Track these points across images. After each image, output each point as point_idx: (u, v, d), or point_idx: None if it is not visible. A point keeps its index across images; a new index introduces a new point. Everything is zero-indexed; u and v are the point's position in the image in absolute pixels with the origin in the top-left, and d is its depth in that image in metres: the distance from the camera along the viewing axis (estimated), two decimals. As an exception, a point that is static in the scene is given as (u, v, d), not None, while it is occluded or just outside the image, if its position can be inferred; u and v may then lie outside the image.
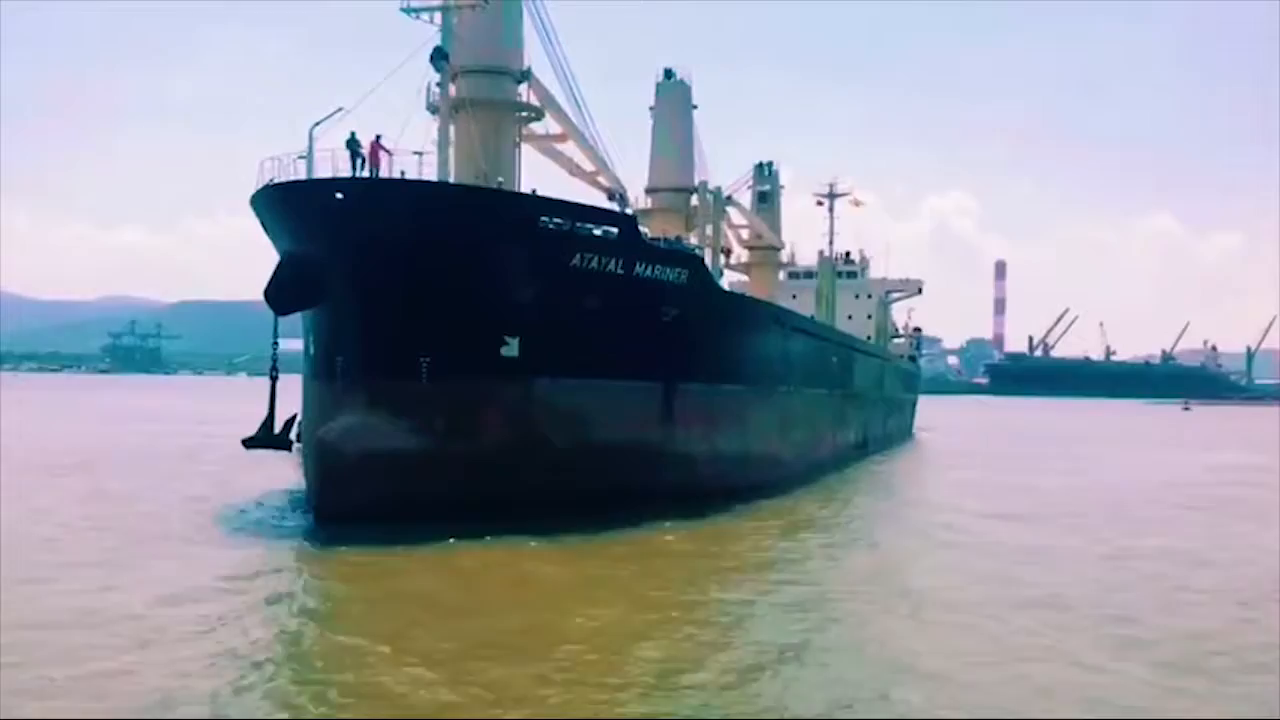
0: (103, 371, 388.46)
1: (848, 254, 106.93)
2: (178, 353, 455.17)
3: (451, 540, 29.97)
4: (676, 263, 39.52)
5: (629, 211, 57.52)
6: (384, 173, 34.08)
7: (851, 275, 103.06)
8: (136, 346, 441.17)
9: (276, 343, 37.69)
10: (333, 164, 34.04)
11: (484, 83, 40.91)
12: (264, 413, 39.99)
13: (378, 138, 34.12)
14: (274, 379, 37.98)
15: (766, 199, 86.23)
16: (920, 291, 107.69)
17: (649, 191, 62.93)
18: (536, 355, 35.36)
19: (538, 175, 53.10)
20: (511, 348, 35.22)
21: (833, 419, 64.50)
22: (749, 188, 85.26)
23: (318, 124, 34.08)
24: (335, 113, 34.50)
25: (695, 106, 64.00)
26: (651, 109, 63.95)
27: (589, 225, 36.27)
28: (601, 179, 52.04)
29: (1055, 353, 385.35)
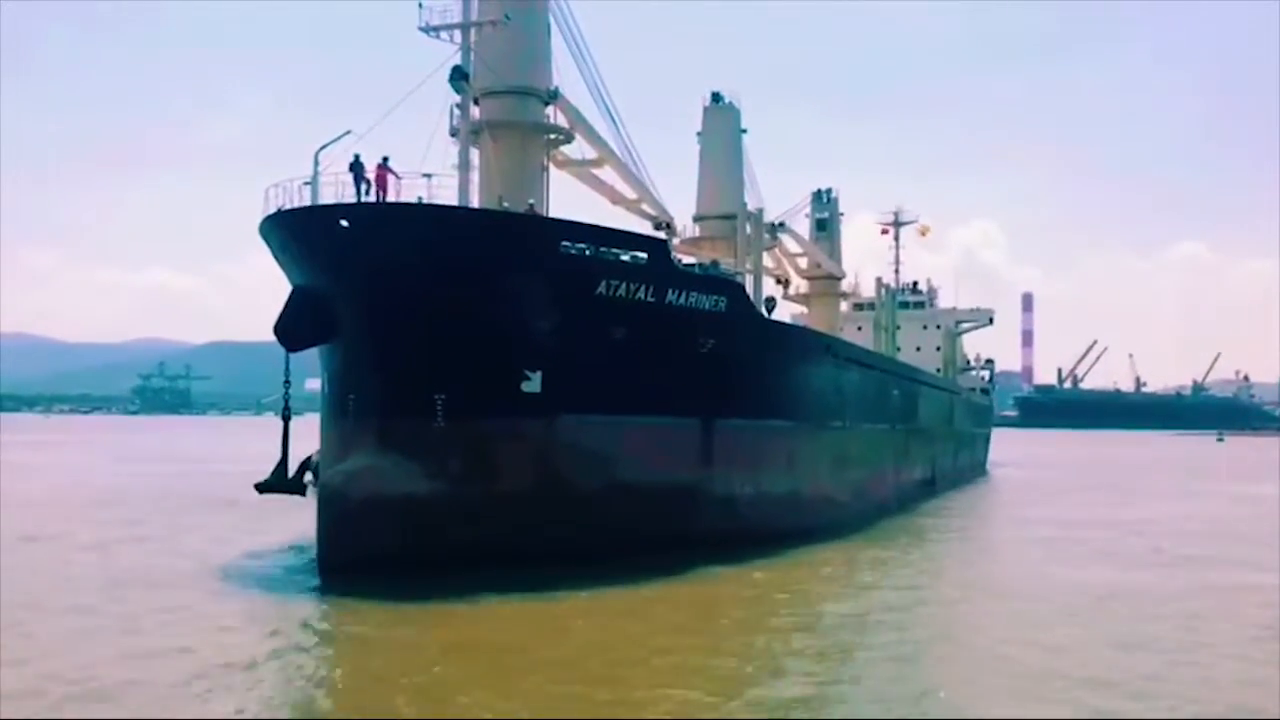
0: (132, 413, 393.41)
1: (915, 284, 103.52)
2: (206, 393, 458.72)
3: (472, 596, 27.35)
4: (713, 289, 36.75)
5: (676, 241, 55.48)
6: (391, 197, 31.89)
7: (919, 306, 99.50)
8: (165, 388, 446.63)
9: (288, 381, 35.59)
10: (340, 190, 31.98)
11: (508, 104, 38.81)
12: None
13: (384, 160, 32.00)
14: (286, 420, 35.89)
15: (825, 227, 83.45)
16: (991, 321, 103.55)
17: (697, 220, 60.29)
18: (560, 391, 32.79)
19: (579, 206, 50.94)
20: (533, 383, 32.71)
21: (895, 456, 60.82)
22: (806, 215, 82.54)
23: (324, 147, 32.12)
24: (343, 135, 32.51)
25: (745, 131, 61.61)
26: (699, 134, 61.50)
27: (615, 250, 33.70)
28: (646, 206, 49.60)
29: (1085, 384, 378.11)
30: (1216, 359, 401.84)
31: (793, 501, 41.07)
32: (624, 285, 33.65)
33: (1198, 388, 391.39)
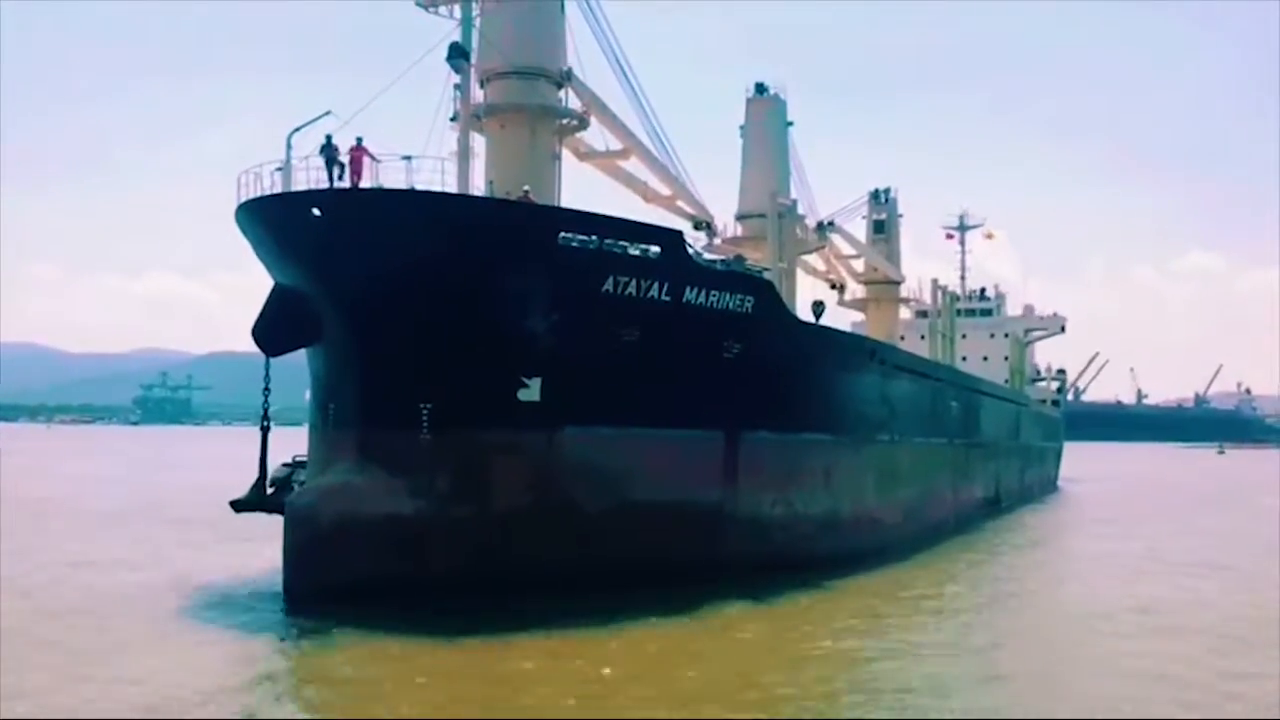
0: (134, 423, 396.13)
1: (982, 290, 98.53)
2: (208, 403, 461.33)
3: (458, 633, 23.77)
4: (739, 288, 32.91)
5: (718, 241, 51.61)
6: (367, 182, 28.61)
7: (986, 313, 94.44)
8: (167, 398, 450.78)
9: (268, 389, 32.45)
10: (316, 176, 28.79)
11: (514, 86, 35.35)
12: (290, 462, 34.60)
13: (359, 141, 28.65)
14: (265, 431, 32.85)
15: (883, 229, 78.58)
16: (1063, 330, 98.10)
17: (740, 218, 56.43)
18: (563, 399, 29.23)
19: (609, 205, 47.38)
20: (532, 390, 29.19)
21: (953, 472, 56.19)
22: (863, 217, 78.07)
23: (298, 129, 28.92)
24: (322, 116, 29.31)
25: (791, 123, 57.65)
26: (741, 128, 57.68)
27: (623, 243, 30.06)
28: (682, 204, 45.95)
29: (1086, 397, 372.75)
30: (1218, 371, 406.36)
31: (831, 523, 36.98)
32: (634, 282, 30.01)
33: (1200, 400, 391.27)
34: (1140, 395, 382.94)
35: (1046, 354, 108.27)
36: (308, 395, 34.61)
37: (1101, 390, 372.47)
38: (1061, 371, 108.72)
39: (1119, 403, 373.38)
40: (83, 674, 20.92)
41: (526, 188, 32.07)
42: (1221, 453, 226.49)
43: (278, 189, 28.76)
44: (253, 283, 31.81)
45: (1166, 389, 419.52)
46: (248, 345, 31.28)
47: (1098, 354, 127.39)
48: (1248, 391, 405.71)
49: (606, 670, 21.80)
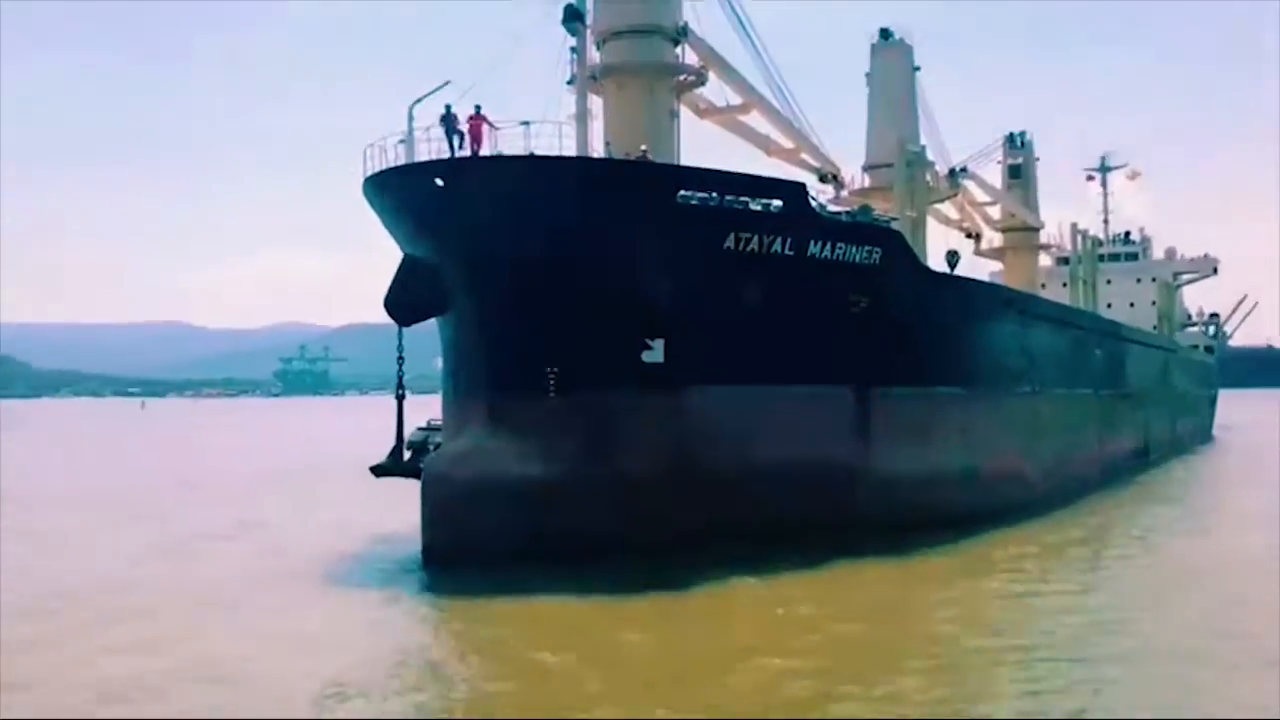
0: (275, 395, 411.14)
1: (1126, 234, 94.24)
2: (345, 374, 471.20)
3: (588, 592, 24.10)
4: (865, 240, 32.08)
5: (845, 193, 50.45)
6: (487, 150, 28.77)
7: (1132, 257, 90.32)
8: (306, 370, 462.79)
9: (401, 358, 33.12)
10: (437, 146, 29.11)
11: (630, 44, 34.97)
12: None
13: (477, 109, 28.86)
14: (400, 399, 33.54)
15: (1019, 174, 75.70)
16: (1215, 271, 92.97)
17: (867, 169, 54.93)
18: (687, 360, 29.09)
19: (732, 161, 46.75)
20: (655, 352, 29.13)
21: (1099, 424, 53.97)
22: (998, 163, 75.23)
23: (419, 100, 29.25)
24: (441, 86, 29.61)
25: (918, 69, 55.65)
26: (867, 75, 55.97)
27: (744, 198, 29.57)
28: (806, 156, 45.08)
29: (1234, 342, 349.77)
30: None
31: (968, 480, 35.93)
32: (756, 238, 29.54)
33: None
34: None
35: (1198, 298, 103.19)
36: (437, 363, 35.33)
37: (1251, 335, 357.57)
38: (1215, 316, 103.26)
39: (1270, 346, 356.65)
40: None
41: (644, 147, 31.82)
42: None
43: (401, 161, 29.19)
44: (382, 256, 32.38)
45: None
46: (381, 317, 31.92)
47: (1246, 296, 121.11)
48: None
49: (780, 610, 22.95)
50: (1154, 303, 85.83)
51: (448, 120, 28.61)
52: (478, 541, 27.44)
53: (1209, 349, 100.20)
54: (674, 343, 29.00)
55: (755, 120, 43.17)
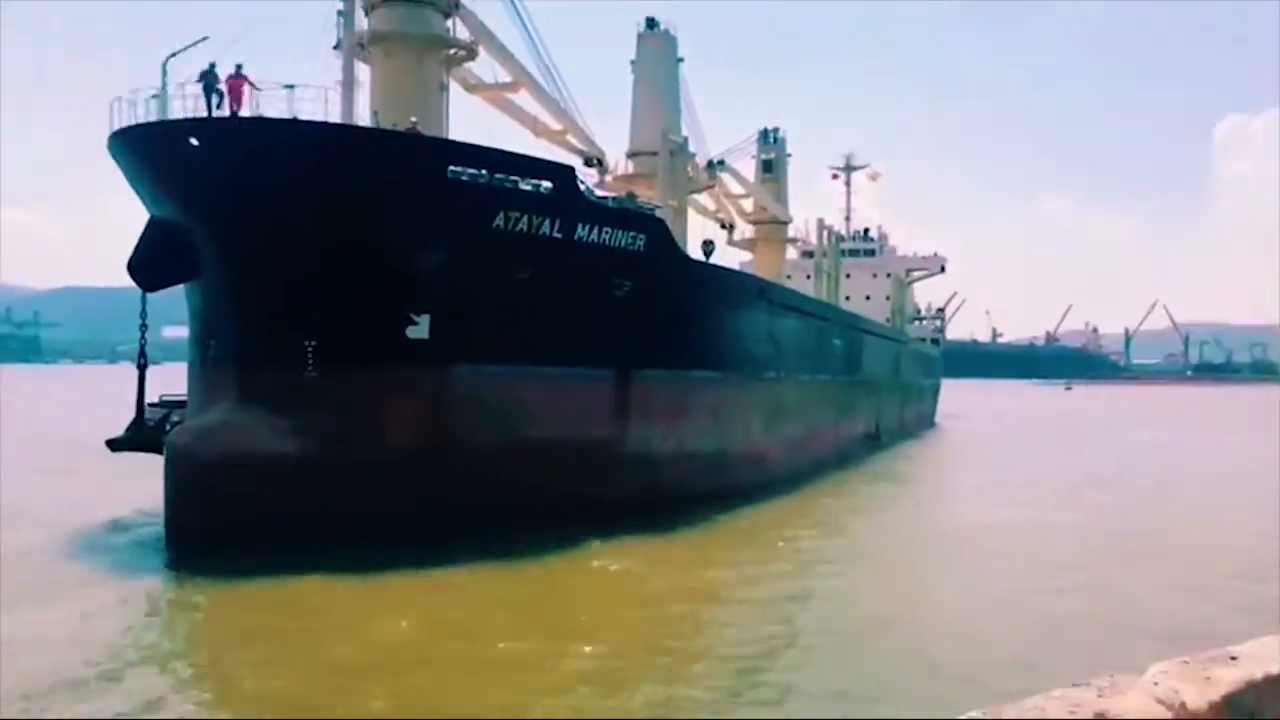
0: None
1: (865, 230, 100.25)
2: (57, 341, 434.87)
3: (342, 573, 23.49)
4: (631, 226, 32.84)
5: (609, 178, 51.32)
6: (246, 111, 27.58)
7: (869, 254, 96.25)
8: (11, 335, 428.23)
9: (144, 325, 31.36)
10: (195, 104, 27.62)
11: (400, 13, 34.36)
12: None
13: (238, 68, 27.59)
14: (142, 369, 31.71)
15: (771, 169, 79.44)
16: (943, 269, 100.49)
17: (631, 156, 56.15)
18: (453, 337, 28.89)
19: (500, 139, 46.61)
20: (420, 328, 28.76)
21: (836, 409, 57.53)
22: (752, 157, 78.48)
23: (174, 55, 27.68)
24: (198, 41, 28.19)
25: (681, 59, 57.30)
26: (633, 63, 57.16)
27: (514, 178, 29.65)
28: (572, 139, 45.59)
29: (949, 336, 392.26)
30: (1068, 311, 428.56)
31: (719, 459, 37.55)
32: (526, 218, 29.66)
33: (1051, 338, 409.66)
34: (995, 334, 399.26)
35: (927, 294, 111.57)
36: (166, 332, 33.50)
37: (959, 329, 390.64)
38: (940, 311, 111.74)
39: (975, 341, 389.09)
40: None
41: (414, 119, 31.34)
42: (1069, 389, 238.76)
43: (154, 118, 27.51)
44: (104, 214, 30.27)
45: (1020, 328, 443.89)
46: (98, 280, 30.01)
47: (955, 293, 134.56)
48: (1095, 330, 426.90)
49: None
50: (888, 297, 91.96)
51: (208, 78, 27.15)
52: (226, 522, 26.31)
53: (935, 341, 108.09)
54: (440, 319, 28.75)
55: (524, 100, 43.34)
